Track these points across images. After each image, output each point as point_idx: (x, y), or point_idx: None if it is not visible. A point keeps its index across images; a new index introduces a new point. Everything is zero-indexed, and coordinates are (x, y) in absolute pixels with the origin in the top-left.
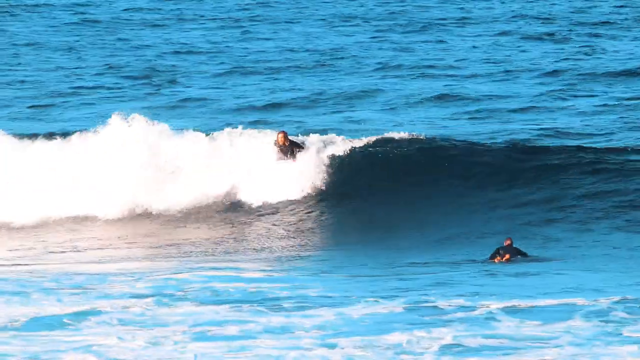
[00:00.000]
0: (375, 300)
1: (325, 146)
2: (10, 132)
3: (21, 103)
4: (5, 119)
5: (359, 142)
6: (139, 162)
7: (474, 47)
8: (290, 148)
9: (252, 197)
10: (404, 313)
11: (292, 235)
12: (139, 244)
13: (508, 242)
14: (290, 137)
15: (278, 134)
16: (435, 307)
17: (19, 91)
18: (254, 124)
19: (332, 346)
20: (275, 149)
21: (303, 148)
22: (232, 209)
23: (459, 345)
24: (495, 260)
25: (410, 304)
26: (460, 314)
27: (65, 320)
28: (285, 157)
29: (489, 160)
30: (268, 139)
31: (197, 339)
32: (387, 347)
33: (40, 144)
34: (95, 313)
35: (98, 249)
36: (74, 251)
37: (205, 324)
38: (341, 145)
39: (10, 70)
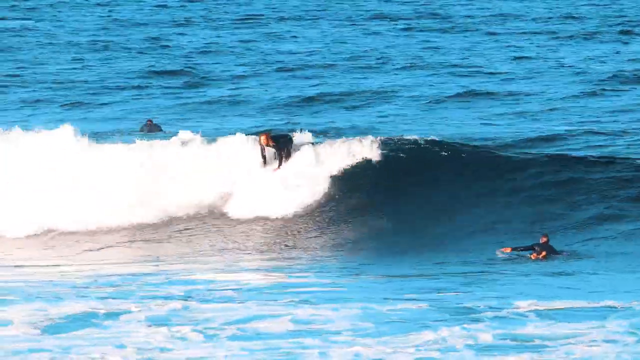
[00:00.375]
0: (405, 299)
1: (347, 147)
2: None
3: (54, 102)
4: (38, 118)
5: (380, 143)
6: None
7: (503, 45)
8: (278, 147)
9: (278, 200)
10: (433, 311)
11: (319, 236)
12: (170, 245)
13: (544, 239)
14: (275, 134)
15: (260, 135)
16: (465, 306)
17: (51, 90)
18: (282, 125)
19: (363, 344)
20: (263, 151)
21: (290, 142)
22: (259, 212)
23: (488, 343)
24: (532, 257)
25: (439, 302)
26: (490, 313)
27: (96, 319)
28: (273, 159)
29: (516, 159)
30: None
31: (227, 337)
32: (416, 345)
33: (69, 145)
34: (126, 312)
35: (129, 249)
36: (108, 251)
37: (235, 322)
38: (363, 146)
39: (42, 69)
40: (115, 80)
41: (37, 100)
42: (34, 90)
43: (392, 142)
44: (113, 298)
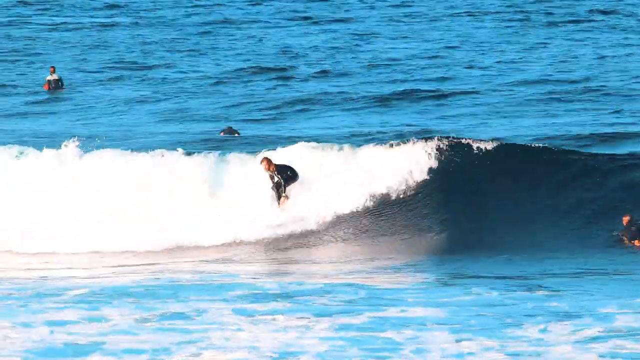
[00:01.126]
0: (500, 298)
1: (427, 148)
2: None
3: (150, 100)
4: (134, 115)
5: (463, 144)
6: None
7: (592, 42)
8: (278, 175)
9: (362, 200)
10: (533, 309)
11: (415, 243)
12: (265, 251)
13: (627, 218)
14: (277, 163)
15: (261, 162)
16: (558, 305)
17: (142, 91)
18: (376, 121)
19: (459, 340)
20: (266, 175)
21: (292, 176)
22: (349, 213)
23: (587, 337)
24: (636, 244)
25: (535, 301)
26: (584, 311)
27: (189, 313)
28: (274, 188)
29: (602, 159)
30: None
31: (318, 331)
32: (517, 338)
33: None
34: (218, 308)
35: (228, 249)
36: (203, 254)
37: (326, 315)
38: (442, 147)
39: (138, 66)
40: (210, 77)
41: (134, 99)
42: (132, 89)
43: (468, 143)
44: (207, 295)
